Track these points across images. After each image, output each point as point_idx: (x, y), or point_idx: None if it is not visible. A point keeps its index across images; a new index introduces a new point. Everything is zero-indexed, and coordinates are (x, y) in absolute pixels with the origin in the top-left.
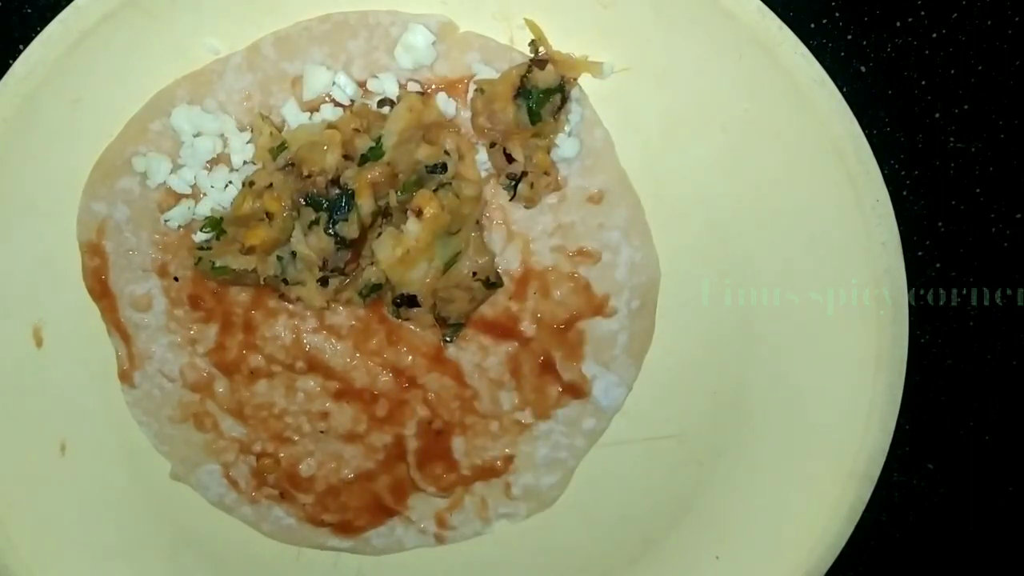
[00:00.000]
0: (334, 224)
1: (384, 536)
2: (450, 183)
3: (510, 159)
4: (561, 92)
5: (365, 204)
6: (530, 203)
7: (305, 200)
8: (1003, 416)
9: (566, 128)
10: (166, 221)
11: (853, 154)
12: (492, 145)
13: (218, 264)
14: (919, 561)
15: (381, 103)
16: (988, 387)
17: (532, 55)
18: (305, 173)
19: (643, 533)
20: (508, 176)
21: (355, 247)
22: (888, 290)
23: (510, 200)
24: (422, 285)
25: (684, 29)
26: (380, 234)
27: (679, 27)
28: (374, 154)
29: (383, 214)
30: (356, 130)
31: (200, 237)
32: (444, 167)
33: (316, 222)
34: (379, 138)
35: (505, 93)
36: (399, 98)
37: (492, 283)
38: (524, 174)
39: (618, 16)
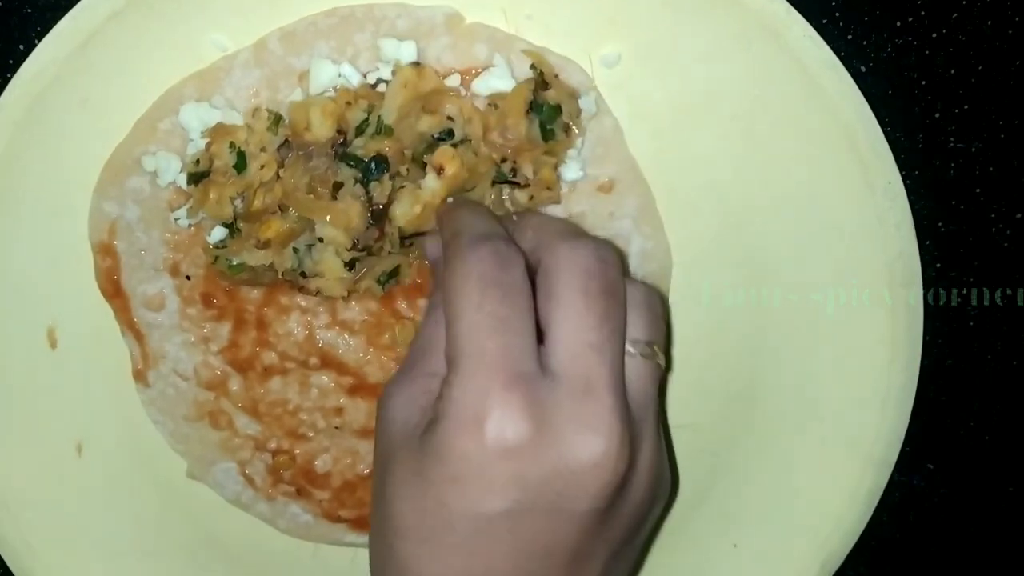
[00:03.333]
0: (367, 185)
1: None
2: (469, 140)
3: (515, 173)
4: (571, 109)
5: (394, 161)
6: (527, 211)
7: (339, 157)
8: (1003, 416)
9: (578, 143)
10: (176, 219)
11: (864, 138)
12: (503, 160)
13: (235, 262)
14: (919, 561)
15: (376, 84)
16: (988, 387)
17: (536, 77)
18: (302, 151)
19: (659, 522)
20: (510, 184)
21: (381, 221)
22: (902, 274)
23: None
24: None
25: (692, 15)
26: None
27: (687, 14)
28: (384, 131)
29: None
30: (348, 103)
31: (215, 236)
32: (451, 133)
33: (343, 190)
34: (371, 108)
35: (518, 108)
36: (394, 74)
37: None
38: (526, 185)
39: (625, 3)
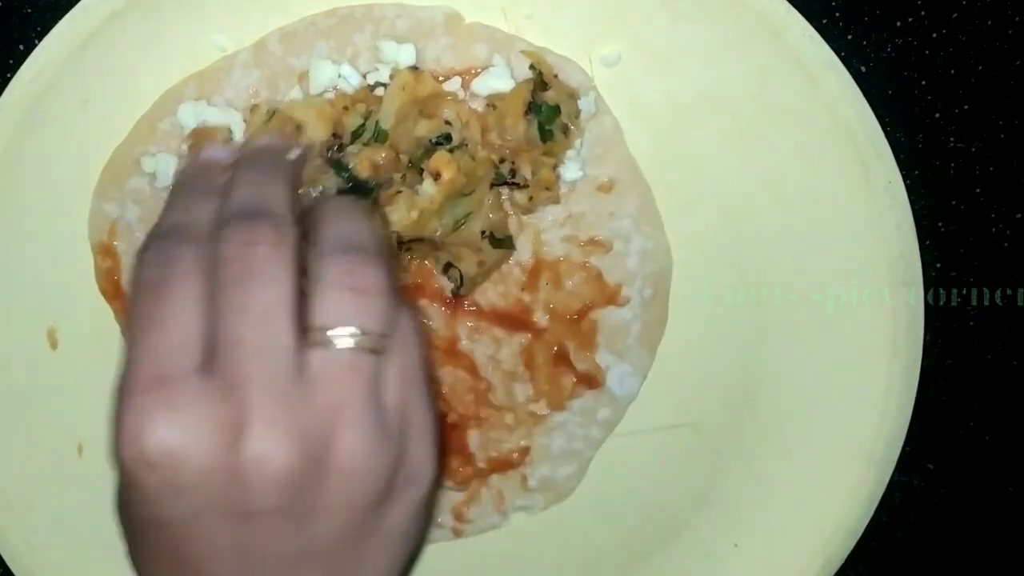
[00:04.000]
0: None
1: None
2: (466, 145)
3: (514, 174)
4: (570, 108)
5: (389, 166)
6: (527, 212)
7: (331, 164)
8: (1003, 416)
9: (577, 143)
10: None
11: (864, 136)
12: (501, 161)
13: None
14: (919, 561)
15: (374, 87)
16: (988, 387)
17: (535, 77)
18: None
19: (660, 522)
20: (509, 186)
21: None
22: (902, 273)
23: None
24: (430, 238)
25: (692, 14)
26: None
27: (687, 13)
28: (379, 137)
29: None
30: (346, 108)
31: None
32: (448, 137)
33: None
34: (368, 113)
35: (517, 108)
36: (391, 78)
37: (498, 240)
38: (525, 186)
39: (625, 3)
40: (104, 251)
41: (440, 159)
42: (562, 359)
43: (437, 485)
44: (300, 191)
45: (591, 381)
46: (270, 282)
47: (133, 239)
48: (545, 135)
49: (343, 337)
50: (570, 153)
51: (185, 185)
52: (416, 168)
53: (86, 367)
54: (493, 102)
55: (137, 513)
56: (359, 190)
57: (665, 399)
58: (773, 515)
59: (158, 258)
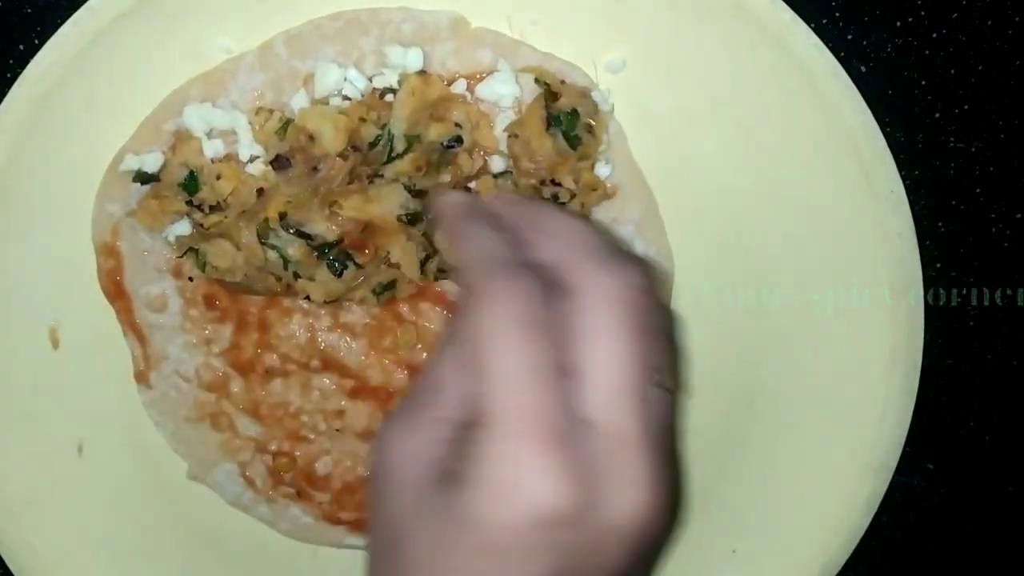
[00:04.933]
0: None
1: None
2: (510, 172)
3: (557, 195)
4: (587, 108)
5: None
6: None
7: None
8: (1003, 416)
9: (604, 138)
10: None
11: (867, 145)
12: (542, 183)
13: (211, 262)
14: (919, 561)
15: (383, 93)
16: (988, 387)
17: (542, 88)
18: (311, 162)
19: None
20: (558, 201)
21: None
22: (903, 281)
23: None
24: None
25: (696, 21)
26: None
27: (691, 19)
28: (411, 147)
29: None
30: (362, 119)
31: (174, 232)
32: (460, 139)
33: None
34: (385, 126)
35: (537, 129)
36: (400, 83)
37: None
38: (574, 196)
39: (630, 9)
40: (107, 251)
41: (484, 184)
42: None
43: None
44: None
45: None
46: (652, 334)
47: (136, 239)
48: (573, 141)
49: (662, 376)
50: (600, 150)
51: (477, 222)
52: (435, 168)
53: (87, 367)
54: (514, 131)
55: (479, 561)
56: (332, 268)
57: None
58: (771, 521)
59: (527, 296)
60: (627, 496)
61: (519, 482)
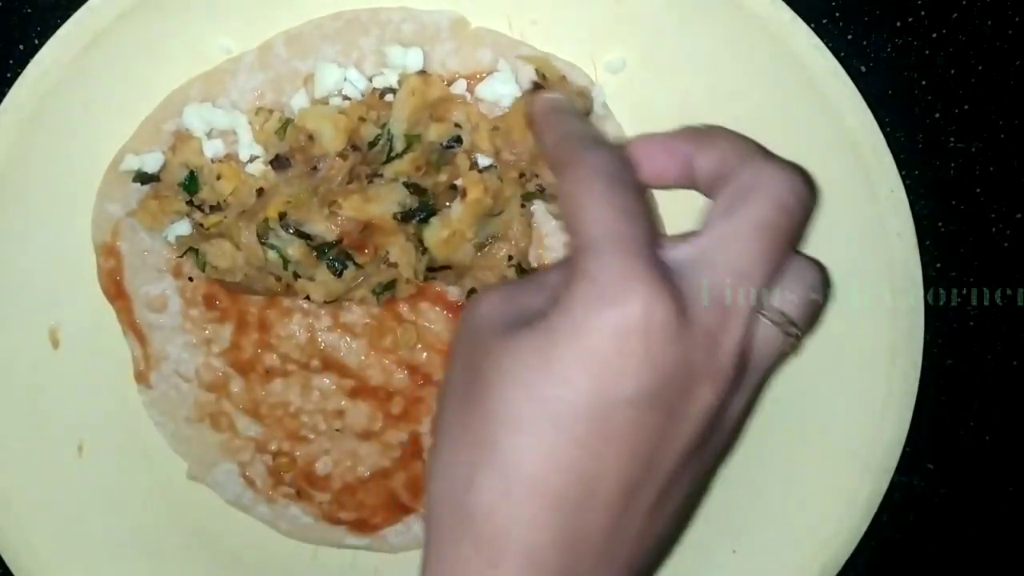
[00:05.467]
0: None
1: (401, 534)
2: (494, 166)
3: (542, 188)
4: (580, 105)
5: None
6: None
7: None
8: (1004, 416)
9: None
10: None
11: (867, 145)
12: (521, 176)
13: (211, 262)
14: (919, 561)
15: (383, 93)
16: (988, 387)
17: (537, 80)
18: (311, 162)
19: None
20: (541, 198)
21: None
22: (903, 281)
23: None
24: (460, 262)
25: (696, 21)
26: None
27: (691, 19)
28: (411, 147)
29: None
30: (362, 119)
31: (173, 233)
32: (459, 140)
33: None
34: (384, 125)
35: (519, 122)
36: (400, 83)
37: (523, 270)
38: (554, 194)
39: (630, 10)
40: (107, 251)
41: (468, 179)
42: None
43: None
44: None
45: None
46: (783, 251)
47: (136, 239)
48: None
49: (792, 330)
50: None
51: (570, 110)
52: (435, 168)
53: (87, 367)
54: (496, 123)
55: (586, 385)
56: (332, 268)
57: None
58: (771, 522)
59: (617, 159)
60: (712, 343)
61: (627, 285)
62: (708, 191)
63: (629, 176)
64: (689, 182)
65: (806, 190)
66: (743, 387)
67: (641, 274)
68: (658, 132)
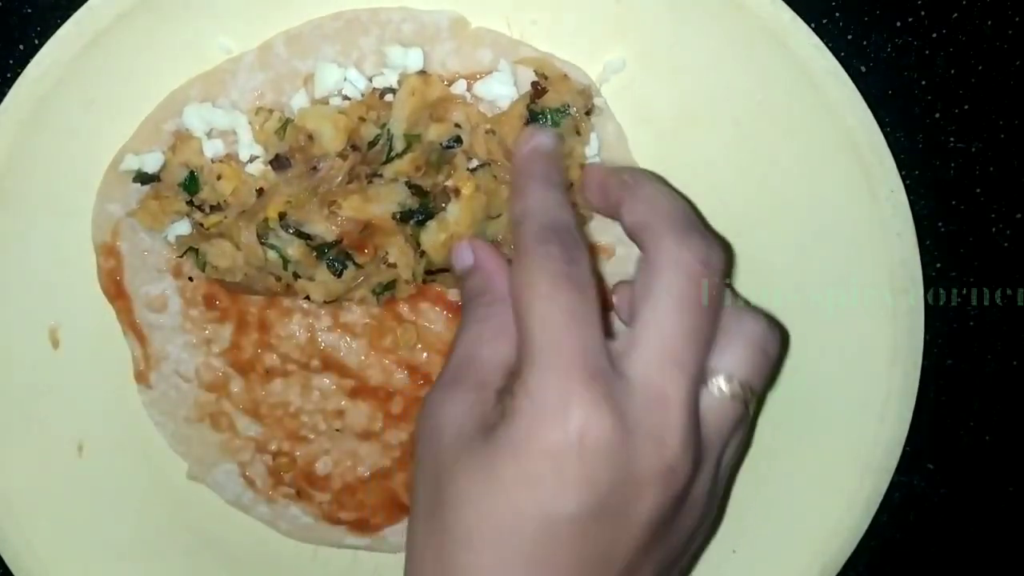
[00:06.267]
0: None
1: (401, 534)
2: (487, 165)
3: None
4: (579, 105)
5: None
6: (581, 220)
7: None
8: (1004, 416)
9: (592, 141)
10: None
11: (867, 145)
12: None
13: (211, 262)
14: (919, 561)
15: (383, 93)
16: (988, 387)
17: (537, 83)
18: (311, 162)
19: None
20: None
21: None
22: (903, 281)
23: None
24: None
25: (696, 21)
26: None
27: (691, 19)
28: (411, 147)
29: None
30: (362, 119)
31: (174, 233)
32: (459, 140)
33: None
34: (384, 125)
35: (514, 126)
36: (400, 83)
37: None
38: None
39: (630, 9)
40: (107, 251)
41: (459, 177)
42: None
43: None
44: None
45: None
46: (711, 314)
47: (136, 239)
48: None
49: (737, 390)
50: (590, 150)
51: (543, 176)
52: (435, 168)
53: (87, 367)
54: (492, 128)
55: (530, 506)
56: (332, 268)
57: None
58: (771, 522)
59: (567, 255)
60: (655, 446)
61: (563, 406)
62: (632, 239)
63: (576, 270)
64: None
65: (715, 253)
66: (703, 467)
67: (578, 391)
68: (606, 167)
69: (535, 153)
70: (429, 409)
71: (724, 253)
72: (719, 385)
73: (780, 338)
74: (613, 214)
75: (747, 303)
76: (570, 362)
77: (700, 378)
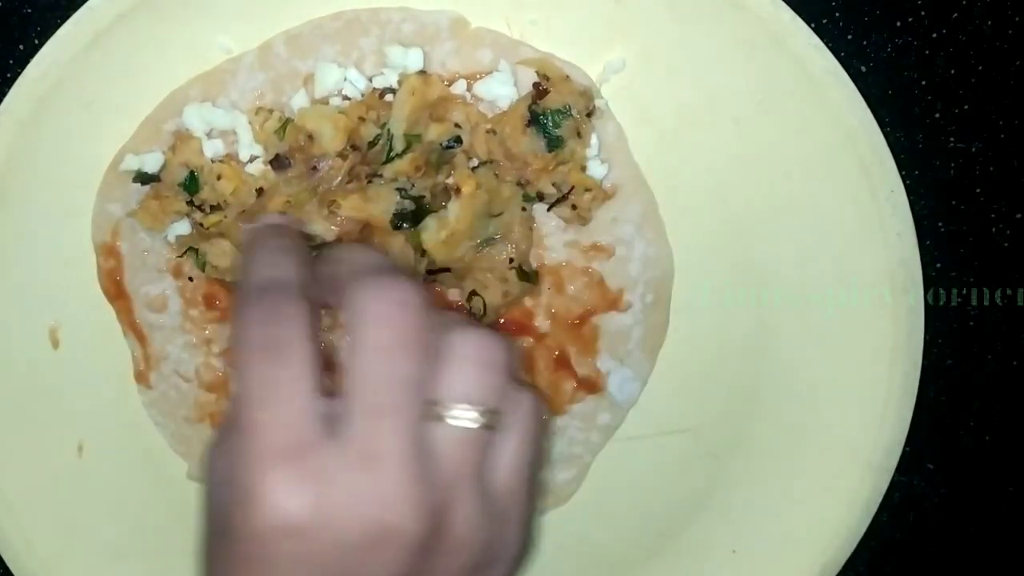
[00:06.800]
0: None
1: None
2: (489, 162)
3: (541, 195)
4: (580, 106)
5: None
6: (582, 221)
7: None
8: (1004, 416)
9: (592, 142)
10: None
11: (867, 145)
12: (518, 183)
13: (211, 262)
14: (919, 561)
15: (383, 93)
16: (988, 387)
17: (539, 83)
18: (311, 162)
19: (659, 528)
20: (541, 201)
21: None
22: (903, 281)
23: (566, 223)
24: (458, 262)
25: (696, 21)
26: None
27: (691, 19)
28: (411, 147)
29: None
30: (362, 119)
31: (173, 233)
32: (459, 140)
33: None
34: (384, 125)
35: (516, 126)
36: (400, 83)
37: (525, 273)
38: (563, 197)
39: (630, 9)
40: (107, 251)
41: (460, 175)
42: (563, 363)
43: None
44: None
45: (592, 386)
46: (415, 351)
47: (136, 239)
48: (554, 143)
49: (467, 414)
50: (590, 151)
51: (265, 241)
52: (434, 168)
53: (87, 367)
54: (493, 128)
55: None
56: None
57: (665, 405)
58: (771, 522)
59: (266, 316)
60: (363, 512)
61: (254, 492)
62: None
63: (281, 333)
64: None
65: (402, 291)
66: (454, 506)
67: (272, 475)
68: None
69: (260, 229)
70: (205, 457)
71: (421, 290)
72: (450, 416)
73: (504, 344)
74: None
75: (463, 323)
76: (263, 441)
77: (425, 417)
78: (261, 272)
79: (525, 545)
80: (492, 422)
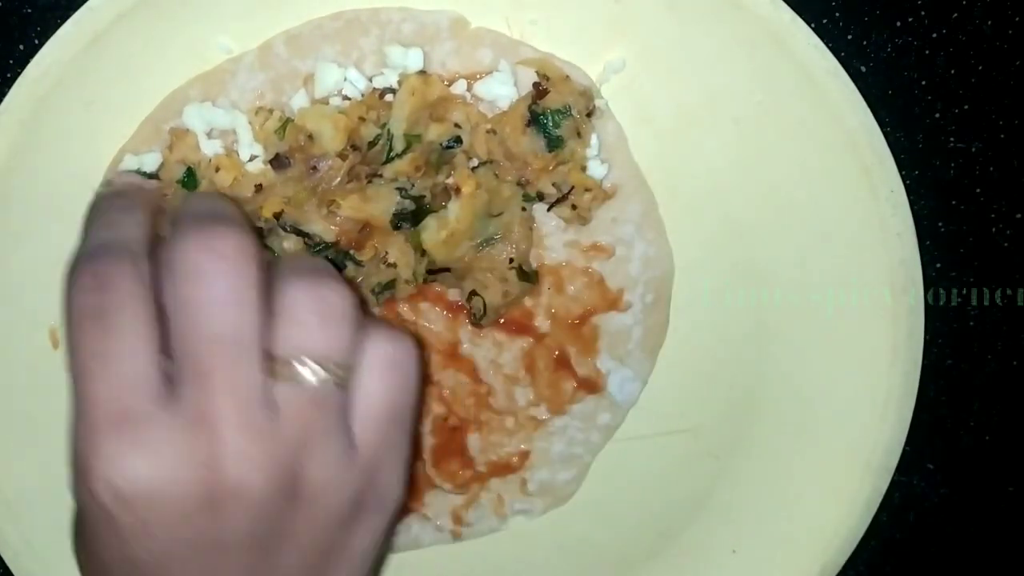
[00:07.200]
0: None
1: (401, 534)
2: (489, 162)
3: (541, 195)
4: (580, 106)
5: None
6: (582, 221)
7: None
8: (1004, 416)
9: (592, 142)
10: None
11: (867, 145)
12: (518, 183)
13: None
14: (919, 561)
15: (383, 93)
16: (988, 387)
17: (539, 83)
18: (311, 161)
19: (659, 528)
20: (541, 201)
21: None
22: (903, 281)
23: (566, 223)
24: (458, 262)
25: (696, 21)
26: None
27: (691, 19)
28: (411, 147)
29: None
30: (362, 119)
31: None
32: (459, 140)
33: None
34: (384, 125)
35: (516, 126)
36: (400, 83)
37: (525, 273)
38: (564, 197)
39: (630, 9)
40: None
41: (460, 175)
42: (563, 364)
43: (402, 511)
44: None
45: (592, 386)
46: (244, 305)
47: None
48: (554, 143)
49: (307, 369)
50: (590, 151)
51: (105, 204)
52: (434, 168)
53: None
54: (493, 128)
55: (106, 552)
56: (321, 253)
57: (665, 405)
58: (771, 522)
59: (95, 281)
60: (211, 476)
61: (88, 465)
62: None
63: (109, 298)
64: None
65: (212, 236)
66: (306, 463)
67: (103, 448)
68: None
69: (112, 193)
70: None
71: (251, 238)
72: (289, 373)
73: (342, 292)
74: None
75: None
76: (95, 412)
77: (267, 373)
78: (96, 235)
79: (401, 492)
80: (338, 374)
